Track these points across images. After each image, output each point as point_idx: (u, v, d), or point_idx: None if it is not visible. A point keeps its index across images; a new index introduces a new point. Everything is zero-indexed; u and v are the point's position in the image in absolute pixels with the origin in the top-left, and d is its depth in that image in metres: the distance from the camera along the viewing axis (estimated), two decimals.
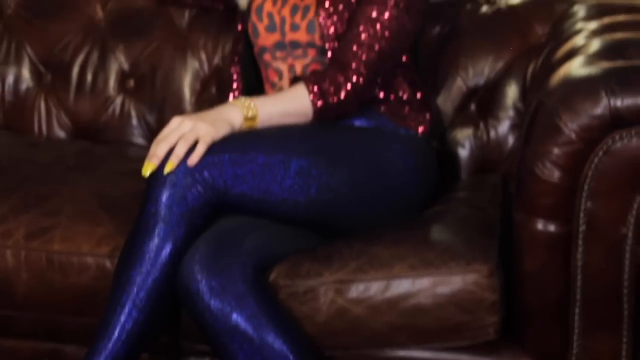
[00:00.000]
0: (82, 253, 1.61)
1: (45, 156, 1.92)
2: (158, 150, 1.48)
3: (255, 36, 1.77)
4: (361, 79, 1.63)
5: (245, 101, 1.57)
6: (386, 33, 1.64)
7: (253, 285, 1.45)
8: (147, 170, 1.48)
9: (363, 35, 1.63)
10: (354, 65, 1.63)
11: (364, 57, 1.63)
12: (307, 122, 1.64)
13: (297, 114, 1.61)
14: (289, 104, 1.61)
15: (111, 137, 2.09)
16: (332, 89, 1.61)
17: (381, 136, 1.70)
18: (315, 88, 1.60)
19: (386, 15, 1.64)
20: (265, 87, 1.80)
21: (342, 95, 1.62)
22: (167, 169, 1.46)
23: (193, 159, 1.47)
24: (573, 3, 1.92)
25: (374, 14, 1.64)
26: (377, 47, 1.63)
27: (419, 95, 1.75)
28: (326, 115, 1.62)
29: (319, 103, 1.60)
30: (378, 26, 1.63)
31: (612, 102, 1.36)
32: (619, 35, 1.56)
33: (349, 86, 1.62)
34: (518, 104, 1.91)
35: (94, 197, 1.69)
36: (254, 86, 1.82)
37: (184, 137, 1.48)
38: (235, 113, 1.55)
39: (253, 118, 1.56)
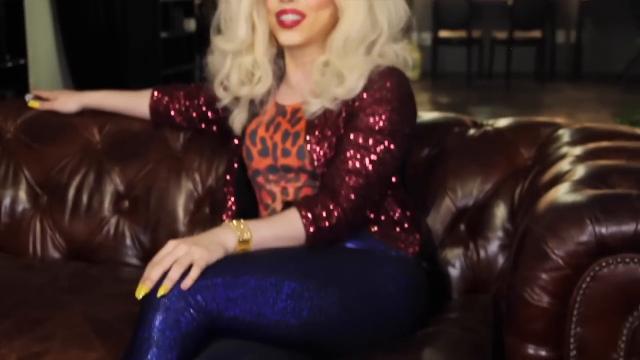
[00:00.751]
0: None
1: (39, 279, 1.92)
2: (152, 273, 1.50)
3: (249, 159, 1.81)
4: (351, 205, 1.66)
5: (239, 224, 1.59)
6: (373, 158, 1.68)
7: None
8: (141, 293, 1.49)
9: (350, 162, 1.67)
10: (343, 192, 1.66)
11: (352, 184, 1.66)
12: (301, 246, 1.66)
13: (290, 238, 1.63)
14: (282, 229, 1.63)
15: (105, 258, 2.10)
16: (323, 214, 1.64)
17: (372, 258, 1.71)
18: (308, 214, 1.63)
19: (372, 141, 1.68)
20: (259, 208, 1.83)
21: (334, 220, 1.64)
22: (161, 292, 1.47)
23: (187, 283, 1.48)
24: (558, 127, 1.97)
25: (361, 141, 1.68)
26: (364, 172, 1.67)
27: (409, 216, 1.78)
28: (319, 240, 1.64)
29: (312, 229, 1.63)
30: (365, 152, 1.67)
31: (597, 229, 1.39)
32: (603, 162, 1.60)
33: (339, 212, 1.65)
34: (507, 224, 1.93)
35: (87, 321, 1.69)
36: (248, 206, 1.85)
37: (178, 261, 1.50)
38: (229, 236, 1.57)
39: (247, 241, 1.58)
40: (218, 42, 1.82)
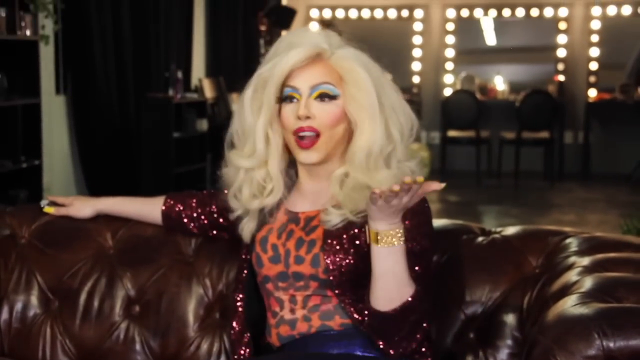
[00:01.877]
0: None
1: None
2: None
3: (259, 266, 1.82)
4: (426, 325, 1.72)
5: (398, 234, 1.63)
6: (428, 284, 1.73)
7: None
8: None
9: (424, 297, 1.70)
10: (425, 324, 1.72)
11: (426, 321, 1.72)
12: (311, 352, 1.69)
13: (398, 286, 1.65)
14: (402, 274, 1.65)
15: None
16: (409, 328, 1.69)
17: None
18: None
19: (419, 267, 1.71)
20: (268, 315, 1.84)
21: (410, 339, 1.70)
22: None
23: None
24: (566, 236, 1.99)
25: (417, 269, 1.71)
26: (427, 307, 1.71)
27: None
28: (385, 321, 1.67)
29: (397, 312, 1.66)
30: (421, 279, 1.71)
31: (604, 343, 1.40)
32: (610, 274, 1.62)
33: (419, 337, 1.71)
34: (515, 332, 1.92)
35: None
36: (258, 313, 1.86)
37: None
38: (382, 227, 1.63)
39: (377, 241, 1.63)
40: (234, 158, 1.83)
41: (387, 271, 1.64)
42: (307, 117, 1.75)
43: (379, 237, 1.63)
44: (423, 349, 1.76)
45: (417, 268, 1.69)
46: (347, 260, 1.73)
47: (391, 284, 1.65)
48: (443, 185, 1.53)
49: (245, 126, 1.81)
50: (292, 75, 1.77)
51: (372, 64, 1.80)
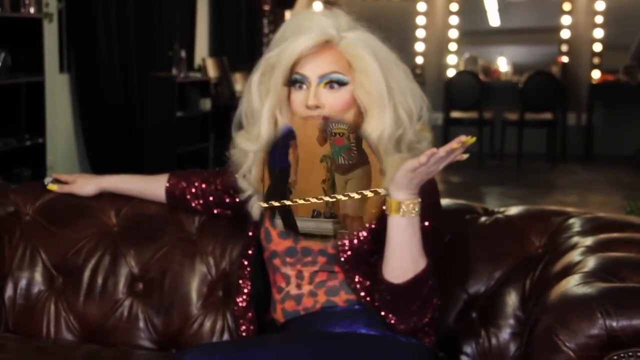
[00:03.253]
0: None
1: None
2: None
3: (267, 241, 1.82)
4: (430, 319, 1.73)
5: (416, 204, 1.63)
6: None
7: None
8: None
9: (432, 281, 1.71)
10: (435, 300, 1.72)
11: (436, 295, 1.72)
12: (315, 330, 1.68)
13: (411, 257, 1.66)
14: (418, 249, 1.66)
15: (118, 341, 2.10)
16: (419, 303, 1.70)
17: (387, 345, 1.72)
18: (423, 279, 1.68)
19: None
20: (273, 291, 1.84)
21: (423, 316, 1.71)
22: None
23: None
24: (569, 216, 1.99)
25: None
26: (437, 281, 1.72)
27: None
28: (406, 288, 1.68)
29: (409, 281, 1.66)
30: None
31: (607, 323, 1.40)
32: (613, 254, 1.62)
33: (429, 316, 1.72)
34: (518, 312, 1.93)
35: None
36: (263, 290, 1.86)
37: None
38: (402, 196, 1.63)
39: (398, 210, 1.63)
40: (240, 141, 1.83)
41: (404, 243, 1.66)
42: (317, 107, 1.74)
43: (400, 206, 1.64)
44: (426, 328, 1.76)
45: (426, 247, 1.70)
46: (358, 236, 1.73)
47: (407, 256, 1.66)
48: (466, 156, 1.58)
49: (253, 110, 1.80)
50: (300, 62, 1.75)
51: (380, 47, 1.78)
